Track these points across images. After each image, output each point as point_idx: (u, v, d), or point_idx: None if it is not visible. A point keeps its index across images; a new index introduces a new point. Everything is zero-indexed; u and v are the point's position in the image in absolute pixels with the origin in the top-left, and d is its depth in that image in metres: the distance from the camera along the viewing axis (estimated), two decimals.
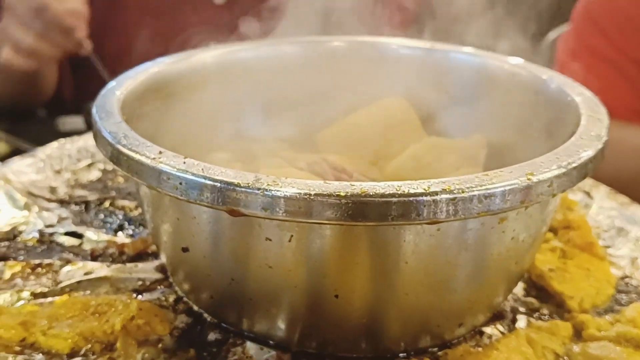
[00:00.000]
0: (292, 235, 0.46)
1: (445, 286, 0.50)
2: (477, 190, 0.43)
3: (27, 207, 0.70)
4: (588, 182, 0.81)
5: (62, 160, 0.81)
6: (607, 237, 0.73)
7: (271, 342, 0.53)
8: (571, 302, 0.60)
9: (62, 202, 0.73)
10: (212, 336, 0.54)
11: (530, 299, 0.61)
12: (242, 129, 0.72)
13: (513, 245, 0.50)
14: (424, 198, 0.42)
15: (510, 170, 0.45)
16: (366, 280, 0.48)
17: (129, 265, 0.62)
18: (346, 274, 0.47)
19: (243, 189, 0.42)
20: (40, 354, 0.51)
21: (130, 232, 0.68)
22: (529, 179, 0.44)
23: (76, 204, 0.73)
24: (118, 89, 0.58)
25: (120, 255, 0.64)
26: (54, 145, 0.84)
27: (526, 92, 0.65)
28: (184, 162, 0.45)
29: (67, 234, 0.66)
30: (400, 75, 0.73)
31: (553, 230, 0.71)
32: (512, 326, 0.57)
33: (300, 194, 0.41)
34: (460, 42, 0.74)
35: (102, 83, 0.61)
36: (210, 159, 0.67)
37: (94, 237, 0.66)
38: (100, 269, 0.61)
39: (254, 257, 0.48)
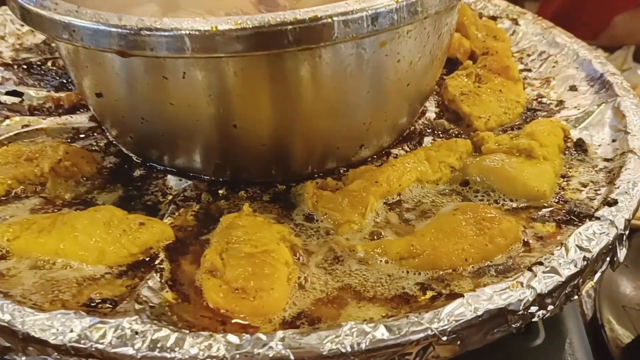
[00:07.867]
0: (184, 72, 0.49)
1: (340, 111, 0.53)
2: (345, 16, 0.45)
3: None
4: (516, 10, 0.83)
5: (6, 26, 0.83)
6: (529, 61, 0.75)
7: (190, 174, 0.58)
8: (478, 121, 0.64)
9: (6, 65, 0.76)
10: (137, 172, 0.59)
11: (441, 121, 0.65)
12: None
13: (402, 68, 0.54)
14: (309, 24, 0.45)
15: None
16: (261, 110, 0.52)
17: (64, 117, 0.66)
18: (240, 105, 0.51)
19: (128, 31, 0.46)
20: None
21: (70, 88, 0.72)
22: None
23: (19, 66, 0.76)
24: None
25: (57, 109, 0.68)
26: None
27: None
28: (77, 11, 0.48)
29: (8, 93, 0.70)
30: None
31: (473, 57, 0.74)
32: (418, 147, 0.62)
33: (177, 31, 0.44)
34: None
35: None
36: (137, 12, 0.70)
37: (33, 94, 0.70)
38: (37, 122, 0.65)
39: (156, 96, 0.52)
